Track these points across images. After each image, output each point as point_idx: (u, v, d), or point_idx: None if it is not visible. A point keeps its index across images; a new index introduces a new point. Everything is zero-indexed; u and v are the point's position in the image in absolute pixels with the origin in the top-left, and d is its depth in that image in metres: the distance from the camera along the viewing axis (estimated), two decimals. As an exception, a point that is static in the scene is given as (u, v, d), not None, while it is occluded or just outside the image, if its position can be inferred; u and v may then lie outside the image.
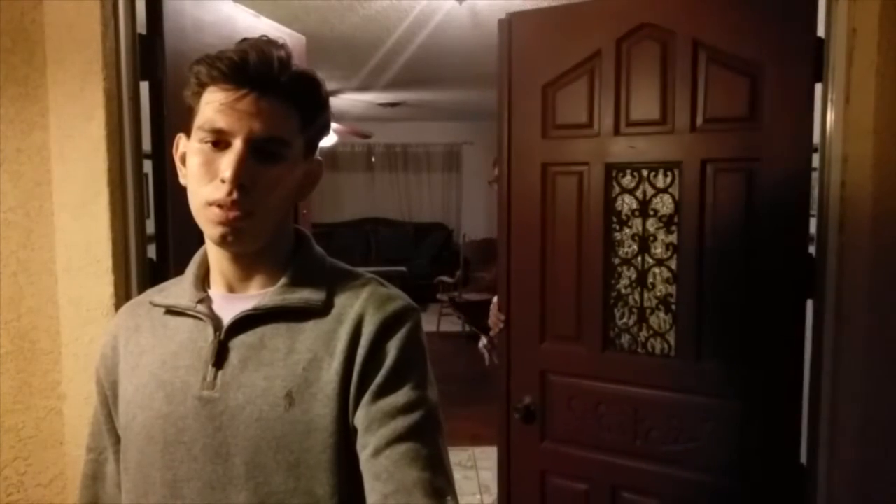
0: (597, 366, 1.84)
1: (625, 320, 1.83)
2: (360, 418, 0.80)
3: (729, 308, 1.68)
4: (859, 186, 1.41)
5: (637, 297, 1.81)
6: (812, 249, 1.54)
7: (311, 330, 0.84)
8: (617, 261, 1.83)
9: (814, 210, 1.53)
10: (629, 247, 1.82)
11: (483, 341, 2.47)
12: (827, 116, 1.45)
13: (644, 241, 1.79)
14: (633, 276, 1.82)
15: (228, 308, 0.86)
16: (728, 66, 1.62)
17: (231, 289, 0.88)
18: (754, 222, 1.63)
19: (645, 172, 1.77)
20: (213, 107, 0.79)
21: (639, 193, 1.79)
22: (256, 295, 0.87)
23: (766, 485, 1.64)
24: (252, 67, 0.78)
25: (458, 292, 6.91)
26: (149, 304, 0.92)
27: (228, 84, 0.79)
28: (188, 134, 0.85)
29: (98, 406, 0.95)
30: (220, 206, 0.79)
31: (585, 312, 1.84)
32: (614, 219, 1.82)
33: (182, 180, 0.87)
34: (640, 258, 1.80)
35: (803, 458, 1.57)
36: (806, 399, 1.56)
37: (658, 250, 1.78)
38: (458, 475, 3.68)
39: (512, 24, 1.88)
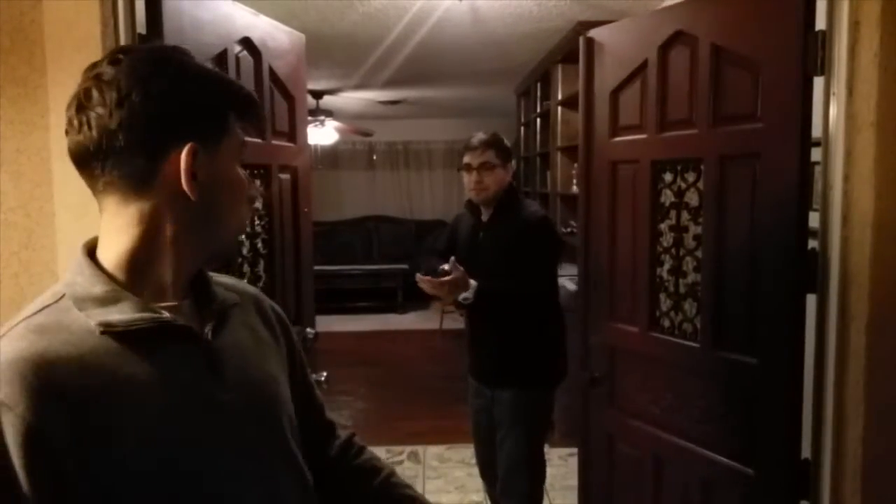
0: (644, 344, 2.03)
1: (666, 304, 1.97)
2: (308, 385, 1.05)
3: (737, 299, 1.73)
4: (862, 180, 1.40)
5: (673, 283, 1.94)
6: (815, 244, 1.53)
7: (249, 319, 0.94)
8: (660, 250, 1.97)
9: (817, 204, 1.53)
10: (668, 237, 1.94)
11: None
12: (829, 110, 1.45)
13: (679, 233, 1.90)
14: (671, 264, 1.93)
15: (184, 314, 0.82)
16: (737, 66, 1.69)
17: (166, 298, 0.81)
18: (758, 216, 1.66)
19: (679, 168, 1.89)
20: (248, 142, 0.87)
21: (674, 188, 1.91)
22: (184, 301, 0.84)
23: (771, 475, 1.66)
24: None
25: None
26: (95, 334, 0.73)
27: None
28: (207, 148, 0.80)
29: None
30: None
31: (638, 296, 2.02)
32: (658, 212, 1.97)
33: (194, 196, 0.79)
34: (675, 248, 1.92)
35: (809, 453, 1.57)
36: (810, 394, 1.55)
37: (689, 241, 1.88)
38: (462, 473, 3.71)
39: (591, 40, 2.15)
